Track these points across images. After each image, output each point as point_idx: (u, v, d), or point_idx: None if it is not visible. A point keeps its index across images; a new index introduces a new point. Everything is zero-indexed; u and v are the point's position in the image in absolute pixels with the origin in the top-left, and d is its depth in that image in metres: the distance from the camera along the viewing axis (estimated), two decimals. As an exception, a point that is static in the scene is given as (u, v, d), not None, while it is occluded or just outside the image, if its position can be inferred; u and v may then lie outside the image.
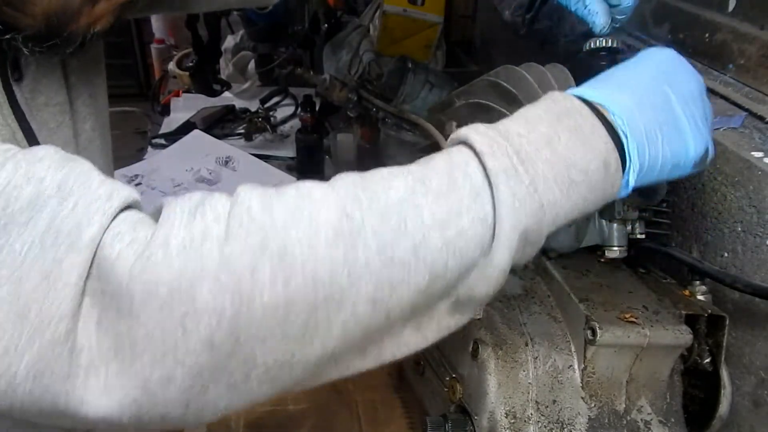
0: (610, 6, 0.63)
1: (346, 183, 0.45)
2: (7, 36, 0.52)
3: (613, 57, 0.63)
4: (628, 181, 0.49)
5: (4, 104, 0.58)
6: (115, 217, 0.42)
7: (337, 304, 0.42)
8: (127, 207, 0.44)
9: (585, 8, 0.63)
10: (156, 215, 0.45)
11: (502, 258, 0.44)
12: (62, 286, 0.40)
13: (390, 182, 0.44)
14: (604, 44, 0.63)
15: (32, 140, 0.60)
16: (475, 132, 0.46)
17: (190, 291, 0.40)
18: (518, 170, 0.44)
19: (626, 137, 0.48)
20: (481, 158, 0.45)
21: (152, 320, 0.40)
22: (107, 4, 0.54)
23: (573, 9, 0.65)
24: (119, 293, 0.40)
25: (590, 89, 0.51)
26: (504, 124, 0.48)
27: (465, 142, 0.47)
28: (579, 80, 0.67)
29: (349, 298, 0.42)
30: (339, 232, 0.42)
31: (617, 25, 0.65)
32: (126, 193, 0.44)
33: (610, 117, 0.49)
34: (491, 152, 0.44)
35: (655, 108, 0.50)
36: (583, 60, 0.65)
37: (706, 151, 0.53)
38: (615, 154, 0.48)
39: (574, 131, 0.47)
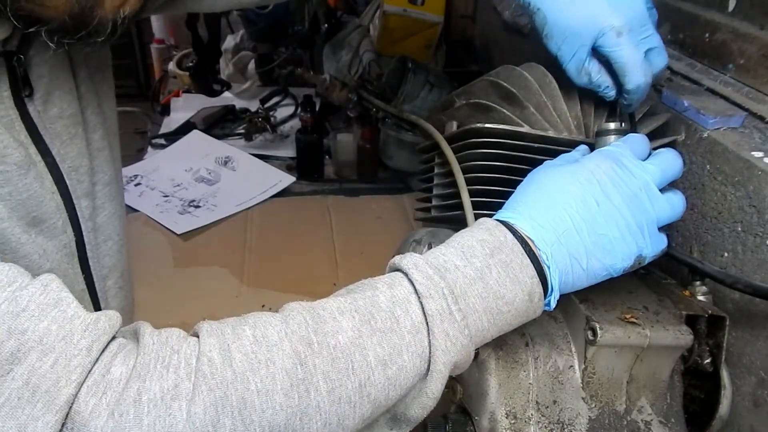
0: (619, 83, 0.64)
1: (299, 322, 0.49)
2: (32, 30, 0.51)
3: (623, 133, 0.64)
4: (549, 302, 0.54)
5: (16, 120, 0.58)
6: (92, 366, 0.45)
7: None
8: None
9: (591, 84, 0.64)
10: (132, 334, 0.49)
11: (435, 388, 0.51)
12: None
13: (339, 323, 0.49)
14: (612, 127, 0.64)
15: (46, 155, 0.61)
16: (415, 269, 0.51)
17: None
18: (452, 310, 0.50)
19: (549, 269, 0.53)
20: (420, 299, 0.50)
21: None
22: None
23: (581, 85, 0.65)
24: None
25: (522, 218, 0.55)
26: (443, 254, 0.53)
27: (406, 275, 0.51)
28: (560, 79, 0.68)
29: None
30: (294, 381, 0.46)
31: (626, 103, 0.65)
32: (106, 337, 0.46)
33: (536, 250, 0.53)
34: (429, 294, 0.50)
35: (581, 233, 0.54)
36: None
37: (639, 256, 0.56)
38: (539, 288, 0.53)
39: (504, 266, 0.52)
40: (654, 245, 0.57)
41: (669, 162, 0.59)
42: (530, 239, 0.53)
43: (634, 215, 0.56)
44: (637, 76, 0.62)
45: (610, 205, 0.55)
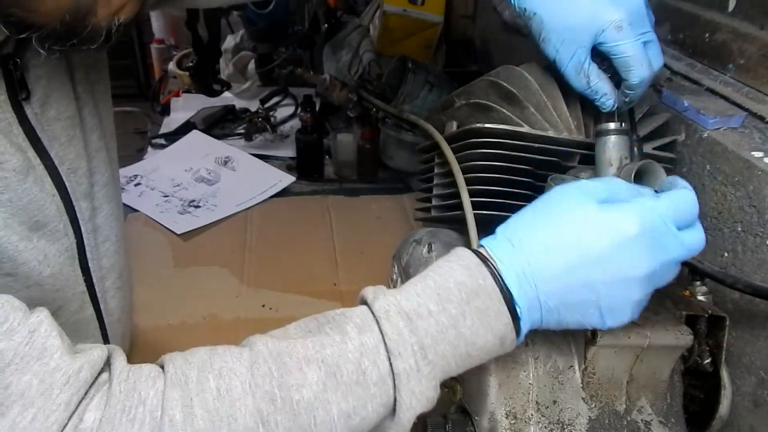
0: (621, 79, 0.62)
1: (264, 372, 0.48)
2: (23, 36, 0.50)
3: (623, 132, 0.63)
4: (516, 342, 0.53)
5: (14, 124, 0.58)
6: (69, 419, 0.45)
7: None
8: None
9: (589, 88, 0.63)
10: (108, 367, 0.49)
11: None
12: None
13: (305, 375, 0.48)
14: (612, 127, 0.63)
15: (45, 158, 0.61)
16: (386, 319, 0.49)
17: None
18: (420, 366, 0.49)
19: (520, 320, 0.51)
20: (389, 355, 0.49)
21: None
22: None
23: (579, 90, 0.64)
24: None
25: (516, 256, 0.51)
26: (418, 296, 0.50)
27: (377, 323, 0.50)
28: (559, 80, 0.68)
29: None
30: None
31: (628, 100, 0.63)
32: (86, 388, 0.47)
33: (515, 304, 0.50)
34: (398, 352, 0.49)
35: (571, 294, 0.50)
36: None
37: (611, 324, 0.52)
38: (512, 334, 0.51)
39: (479, 313, 0.50)
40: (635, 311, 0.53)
41: (699, 244, 0.52)
42: (510, 293, 0.50)
43: (641, 290, 0.51)
44: (642, 69, 0.60)
45: (622, 281, 0.50)
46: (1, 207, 0.56)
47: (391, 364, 0.49)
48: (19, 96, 0.58)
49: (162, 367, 0.49)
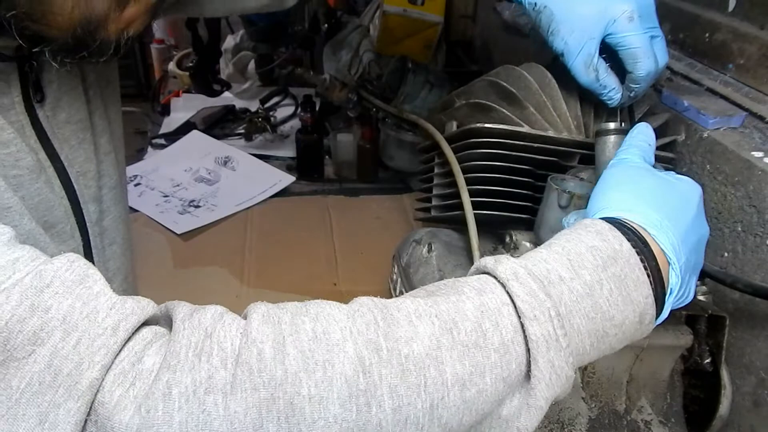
0: (627, 72, 0.62)
1: (368, 321, 0.42)
2: (36, 49, 0.51)
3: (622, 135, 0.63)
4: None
5: (26, 125, 0.58)
6: (119, 351, 0.41)
7: None
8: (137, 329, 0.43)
9: (597, 82, 0.63)
10: (166, 320, 0.44)
11: (530, 425, 0.44)
12: None
13: (416, 329, 0.42)
14: (612, 127, 0.63)
15: (55, 160, 0.61)
16: (515, 280, 0.43)
17: None
18: (558, 336, 0.42)
19: (672, 293, 0.47)
20: (522, 320, 0.42)
21: None
22: (137, 6, 0.51)
23: (586, 84, 0.64)
24: None
25: (658, 229, 0.47)
26: (545, 261, 0.45)
27: (503, 286, 0.44)
28: (559, 79, 0.68)
29: None
30: (353, 391, 0.40)
31: (632, 95, 0.64)
32: (135, 318, 0.42)
33: (666, 270, 0.46)
34: (534, 316, 0.42)
35: (696, 254, 0.51)
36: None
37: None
38: (652, 310, 0.46)
39: (617, 281, 0.45)
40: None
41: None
42: (664, 251, 0.46)
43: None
44: (649, 62, 0.61)
45: (703, 240, 0.53)
46: (21, 203, 0.57)
47: (524, 329, 0.42)
48: (33, 98, 0.58)
49: (245, 317, 0.44)
